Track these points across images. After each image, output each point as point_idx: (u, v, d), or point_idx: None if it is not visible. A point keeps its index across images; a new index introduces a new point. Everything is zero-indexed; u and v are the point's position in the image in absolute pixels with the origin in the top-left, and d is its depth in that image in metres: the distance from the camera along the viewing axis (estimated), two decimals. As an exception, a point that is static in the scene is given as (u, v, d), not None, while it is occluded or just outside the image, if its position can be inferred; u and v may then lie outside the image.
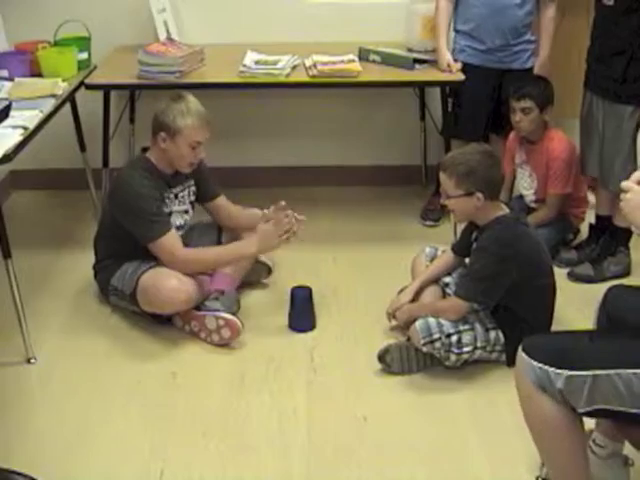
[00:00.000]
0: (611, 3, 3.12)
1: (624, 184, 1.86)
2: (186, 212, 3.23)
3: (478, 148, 2.85)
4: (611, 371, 1.82)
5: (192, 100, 3.04)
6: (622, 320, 2.09)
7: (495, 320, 2.84)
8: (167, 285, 2.95)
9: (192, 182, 3.22)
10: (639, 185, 1.84)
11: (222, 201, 3.33)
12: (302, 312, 3.11)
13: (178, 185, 3.17)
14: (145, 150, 3.12)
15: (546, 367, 1.87)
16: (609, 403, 1.85)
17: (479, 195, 2.74)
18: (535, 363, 1.89)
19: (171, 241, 2.99)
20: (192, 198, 3.25)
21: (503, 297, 2.81)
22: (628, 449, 2.21)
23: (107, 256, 3.16)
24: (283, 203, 3.05)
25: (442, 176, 2.82)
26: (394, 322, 3.06)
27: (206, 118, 3.03)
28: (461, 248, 3.05)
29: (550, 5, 3.69)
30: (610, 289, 2.22)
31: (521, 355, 1.94)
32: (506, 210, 2.84)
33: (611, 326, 2.14)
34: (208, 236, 3.31)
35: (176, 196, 3.16)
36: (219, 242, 3.32)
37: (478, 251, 2.81)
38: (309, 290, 3.13)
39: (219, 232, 3.34)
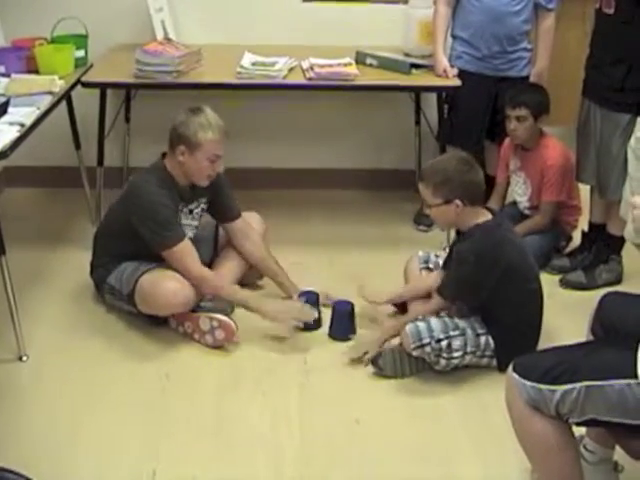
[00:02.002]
0: (611, 12, 3.12)
1: (635, 200, 1.87)
2: (196, 227, 3.20)
3: (454, 155, 2.88)
4: (604, 382, 1.83)
5: (210, 113, 2.98)
6: (616, 327, 2.10)
7: (486, 325, 2.85)
8: (166, 287, 2.94)
9: (205, 199, 3.18)
10: None
11: (240, 225, 3.25)
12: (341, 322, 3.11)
13: (194, 201, 3.14)
14: (164, 155, 3.08)
15: (540, 385, 1.88)
16: (602, 414, 1.86)
17: (457, 202, 2.75)
18: (528, 383, 1.90)
19: (186, 251, 2.98)
20: (202, 214, 3.22)
21: (491, 303, 2.82)
22: (618, 454, 2.22)
23: (107, 254, 3.15)
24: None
25: (420, 186, 2.84)
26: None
27: (225, 131, 3.00)
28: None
29: (548, 15, 3.70)
30: (605, 296, 2.23)
31: (512, 376, 1.94)
32: (488, 216, 2.84)
33: (605, 333, 2.15)
34: (206, 237, 3.31)
35: (190, 212, 3.14)
36: (216, 239, 3.33)
37: (457, 260, 2.83)
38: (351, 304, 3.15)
39: (216, 230, 3.34)
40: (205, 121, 2.94)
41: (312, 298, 3.15)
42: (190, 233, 3.13)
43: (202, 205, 3.19)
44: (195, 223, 3.18)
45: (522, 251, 2.89)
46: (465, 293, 2.84)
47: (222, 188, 3.18)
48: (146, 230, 2.97)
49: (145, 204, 2.96)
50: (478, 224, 2.81)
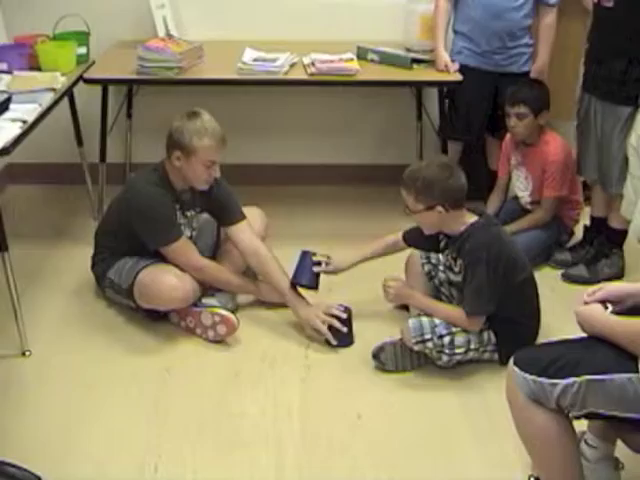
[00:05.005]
0: (611, 5, 3.12)
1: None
2: (193, 229, 3.19)
3: (434, 161, 2.86)
4: (605, 376, 1.83)
5: (207, 119, 2.95)
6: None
7: (487, 320, 2.84)
8: (165, 282, 2.95)
9: (200, 209, 3.17)
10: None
11: (242, 228, 3.15)
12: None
13: (191, 209, 3.14)
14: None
15: (540, 379, 1.89)
16: (602, 407, 1.87)
17: (440, 208, 2.74)
18: (529, 376, 1.91)
19: (184, 247, 3.01)
20: (198, 221, 3.22)
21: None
22: (619, 452, 2.22)
23: (107, 249, 3.16)
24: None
25: (403, 192, 2.81)
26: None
27: (222, 137, 2.96)
28: (412, 239, 3.04)
29: (550, 11, 3.69)
30: None
31: (513, 369, 1.95)
32: (474, 217, 2.83)
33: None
34: (207, 230, 3.30)
35: (185, 216, 3.12)
36: (217, 237, 3.32)
37: (470, 266, 2.78)
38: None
39: (218, 227, 3.32)
40: (201, 126, 2.92)
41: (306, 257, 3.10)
42: (187, 232, 3.13)
43: (198, 214, 3.19)
44: (190, 231, 3.16)
45: (514, 243, 2.93)
46: (489, 298, 2.76)
47: (221, 195, 3.14)
48: (144, 229, 2.98)
49: (144, 203, 2.97)
50: (471, 224, 2.80)
